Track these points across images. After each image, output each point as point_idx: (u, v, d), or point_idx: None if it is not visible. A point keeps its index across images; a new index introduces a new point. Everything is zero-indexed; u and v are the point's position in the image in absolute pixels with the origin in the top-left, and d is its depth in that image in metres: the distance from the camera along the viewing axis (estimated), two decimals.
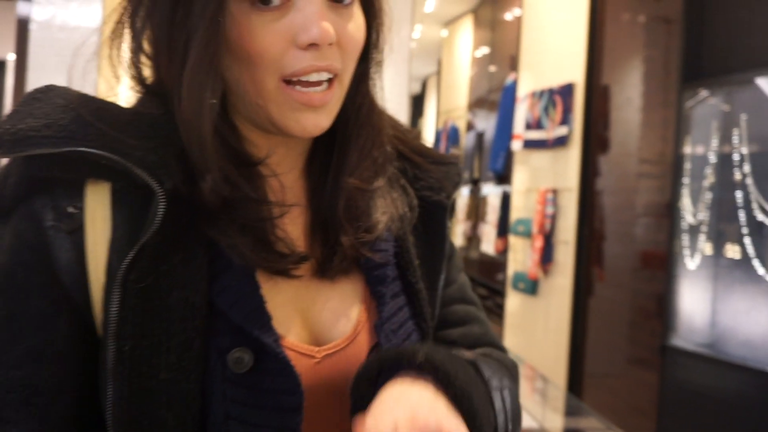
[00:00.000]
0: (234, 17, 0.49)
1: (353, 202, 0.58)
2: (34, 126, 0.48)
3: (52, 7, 4.10)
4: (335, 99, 0.54)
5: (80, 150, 0.48)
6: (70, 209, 0.49)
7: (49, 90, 0.52)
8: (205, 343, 0.50)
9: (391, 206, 0.60)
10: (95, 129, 0.49)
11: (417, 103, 9.28)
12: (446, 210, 0.65)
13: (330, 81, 0.52)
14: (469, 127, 5.57)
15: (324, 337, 0.56)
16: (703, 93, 2.39)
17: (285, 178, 0.56)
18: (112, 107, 0.53)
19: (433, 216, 0.64)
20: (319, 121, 0.53)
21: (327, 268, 0.57)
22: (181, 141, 0.50)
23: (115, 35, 0.54)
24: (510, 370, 0.65)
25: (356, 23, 0.54)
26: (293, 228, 0.57)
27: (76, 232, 0.49)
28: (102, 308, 0.49)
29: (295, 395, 0.51)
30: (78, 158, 0.48)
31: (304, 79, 0.51)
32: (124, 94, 0.58)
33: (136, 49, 0.54)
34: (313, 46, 0.50)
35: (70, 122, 0.49)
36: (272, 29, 0.49)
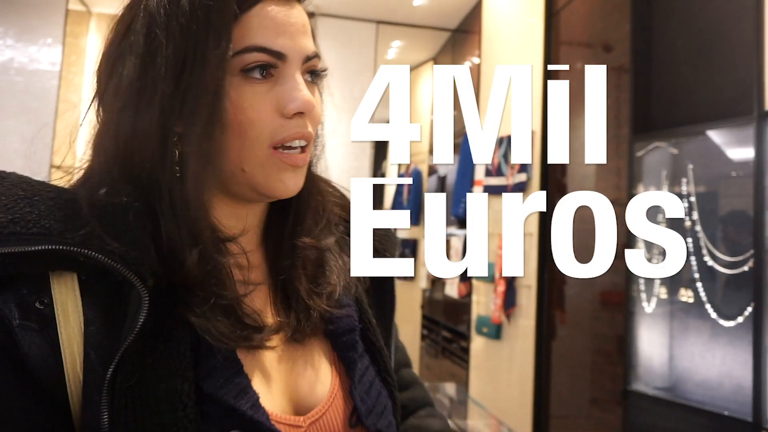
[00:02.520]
0: (226, 90, 0.53)
1: (310, 263, 0.62)
2: None
3: (9, 51, 4.05)
4: (307, 161, 0.60)
5: (60, 249, 0.46)
6: (38, 305, 0.47)
7: (3, 179, 0.50)
8: (198, 429, 0.49)
9: (344, 269, 0.64)
10: (70, 224, 0.48)
11: (381, 147, 9.40)
12: None
13: (303, 146, 0.58)
14: (432, 170, 5.66)
15: (304, 404, 0.58)
16: (653, 144, 2.51)
17: (251, 255, 0.58)
18: (81, 196, 0.52)
19: (382, 277, 0.69)
20: (298, 181, 0.58)
21: (296, 333, 0.60)
22: (154, 225, 0.51)
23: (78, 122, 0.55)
24: None
25: (317, 98, 0.61)
26: (258, 299, 0.59)
27: (47, 327, 0.48)
28: (80, 405, 0.48)
29: None
30: (47, 253, 0.47)
31: (288, 144, 0.56)
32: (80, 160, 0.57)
33: (110, 134, 0.54)
34: (298, 114, 0.55)
35: (39, 217, 0.47)
36: (261, 101, 0.54)
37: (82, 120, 0.57)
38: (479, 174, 3.65)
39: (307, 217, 0.63)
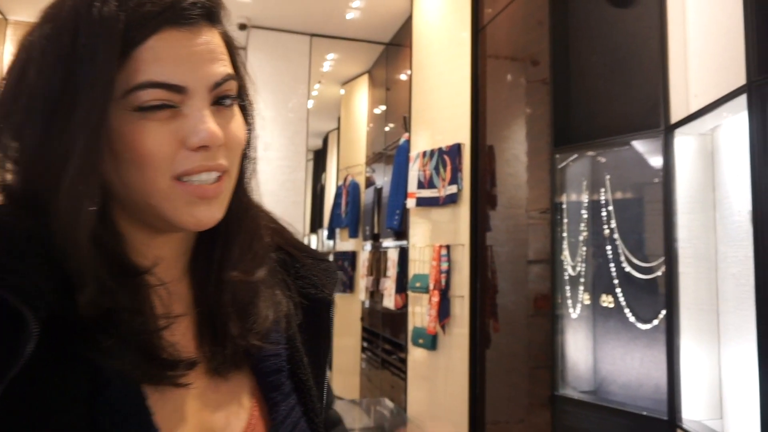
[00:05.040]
0: (119, 126, 0.51)
1: (239, 296, 0.60)
2: None
3: None
4: (226, 191, 0.56)
5: None
6: None
7: None
8: None
9: (275, 303, 0.62)
10: None
11: (319, 159, 9.37)
12: (330, 307, 0.69)
13: (219, 177, 0.55)
14: (369, 182, 5.68)
15: None
16: (573, 155, 2.60)
17: (172, 285, 0.57)
18: None
19: (318, 313, 0.67)
20: (213, 213, 0.55)
21: (218, 366, 0.58)
22: (56, 254, 0.49)
23: None
24: None
25: (237, 123, 0.57)
26: (180, 330, 0.57)
27: None
28: None
29: None
30: None
31: (195, 178, 0.53)
32: None
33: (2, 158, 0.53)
34: (203, 147, 0.52)
35: None
36: (161, 132, 0.51)
37: None
38: (412, 186, 3.68)
39: (234, 248, 0.60)
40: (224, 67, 0.55)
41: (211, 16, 0.55)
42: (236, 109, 0.57)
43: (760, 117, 1.55)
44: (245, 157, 0.61)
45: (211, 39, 0.55)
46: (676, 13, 2.10)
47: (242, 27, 5.13)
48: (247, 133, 0.60)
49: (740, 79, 1.63)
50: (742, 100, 1.62)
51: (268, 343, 0.60)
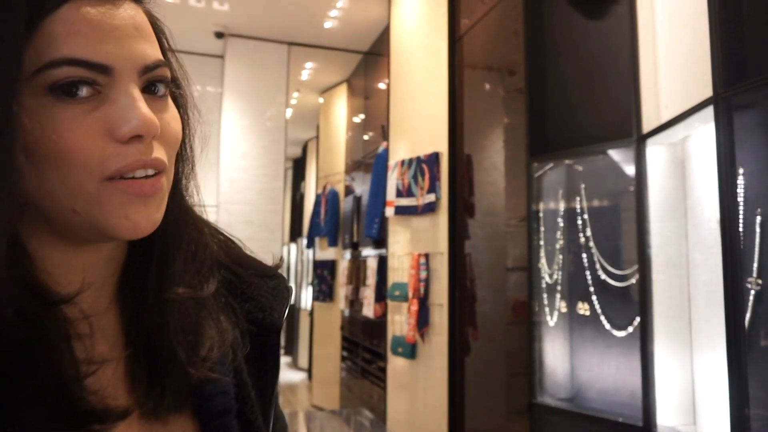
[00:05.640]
0: (33, 115, 0.42)
1: (185, 318, 0.52)
2: None
3: None
4: (165, 191, 0.48)
5: None
6: None
7: None
8: None
9: (221, 330, 0.54)
10: None
11: (298, 167, 9.34)
12: (279, 332, 0.61)
13: (156, 174, 0.46)
14: (348, 191, 5.68)
15: None
16: (549, 164, 2.63)
17: (97, 318, 0.47)
18: None
19: (266, 340, 0.59)
20: (151, 214, 0.46)
21: (155, 411, 0.50)
22: None
23: None
24: None
25: (172, 114, 0.49)
26: (108, 373, 0.48)
27: None
28: None
29: None
30: None
31: (129, 176, 0.44)
32: None
33: None
34: (136, 138, 0.44)
35: None
36: (84, 123, 0.42)
37: None
38: (391, 195, 3.69)
39: (176, 259, 0.51)
40: (153, 49, 0.47)
41: None
42: (169, 101, 0.49)
43: (727, 128, 1.59)
44: (180, 157, 0.53)
45: (135, 14, 0.46)
46: (647, 24, 2.14)
47: (219, 35, 5.10)
48: (185, 130, 0.53)
49: (707, 91, 1.66)
50: (710, 111, 1.66)
51: (215, 377, 0.52)
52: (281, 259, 0.65)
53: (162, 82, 0.48)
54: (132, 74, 0.45)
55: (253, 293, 0.59)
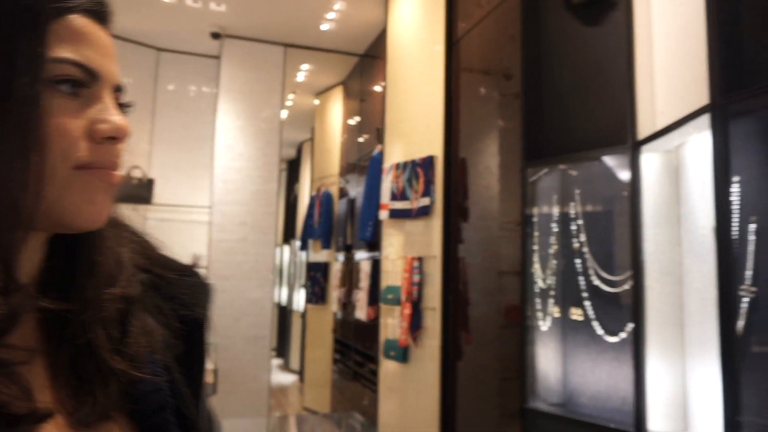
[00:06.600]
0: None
1: (112, 317, 0.52)
2: None
3: None
4: (119, 185, 0.52)
5: None
6: None
7: None
8: None
9: (148, 330, 0.55)
10: None
11: (293, 168, 9.32)
12: (203, 327, 0.62)
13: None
14: (342, 193, 5.67)
15: None
16: (544, 169, 2.64)
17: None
18: None
19: (193, 335, 0.61)
20: (109, 206, 0.50)
21: (87, 416, 0.49)
22: None
23: None
24: None
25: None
26: (29, 375, 0.46)
27: None
28: None
29: None
30: None
31: (98, 167, 0.48)
32: None
33: None
34: (110, 139, 0.49)
35: None
36: (70, 115, 0.47)
37: None
38: (385, 198, 3.68)
39: (105, 258, 0.53)
40: (119, 75, 0.53)
41: (109, 20, 0.53)
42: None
43: (722, 136, 1.59)
44: None
45: (112, 41, 0.53)
46: (643, 31, 2.15)
47: (216, 36, 5.09)
48: None
49: (703, 99, 1.67)
50: (705, 119, 1.67)
51: (146, 376, 0.52)
52: (198, 257, 0.69)
53: (121, 104, 0.53)
54: (110, 87, 0.51)
55: (174, 292, 0.61)
